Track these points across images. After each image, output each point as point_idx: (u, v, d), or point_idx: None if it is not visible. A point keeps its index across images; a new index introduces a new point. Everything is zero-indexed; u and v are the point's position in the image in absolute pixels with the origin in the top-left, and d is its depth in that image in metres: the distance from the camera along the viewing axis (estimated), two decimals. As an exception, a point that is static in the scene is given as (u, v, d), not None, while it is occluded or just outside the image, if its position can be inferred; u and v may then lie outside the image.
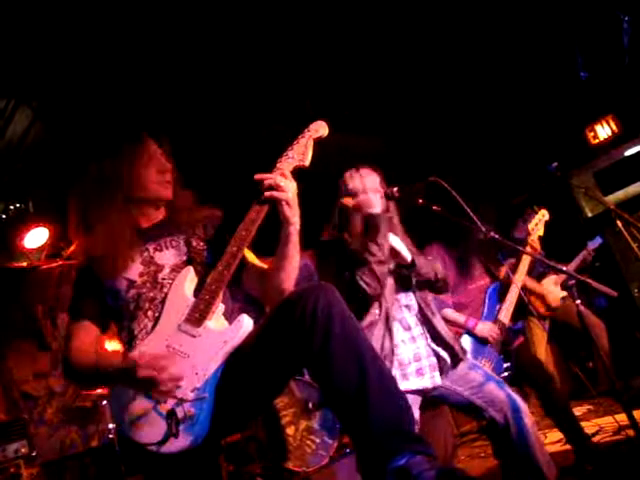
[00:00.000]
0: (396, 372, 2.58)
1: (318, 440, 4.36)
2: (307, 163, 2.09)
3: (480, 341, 3.63)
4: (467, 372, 2.68)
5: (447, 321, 3.83)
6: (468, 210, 2.68)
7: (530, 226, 4.01)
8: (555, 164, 3.56)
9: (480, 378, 2.66)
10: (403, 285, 2.81)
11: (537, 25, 5.00)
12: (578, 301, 2.86)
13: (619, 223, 4.73)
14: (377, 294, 2.63)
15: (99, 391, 4.64)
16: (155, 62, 4.18)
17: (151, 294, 2.05)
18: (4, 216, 5.28)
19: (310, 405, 4.44)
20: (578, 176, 6.41)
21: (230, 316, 2.03)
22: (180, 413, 1.79)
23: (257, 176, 1.98)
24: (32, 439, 4.45)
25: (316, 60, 4.65)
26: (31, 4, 3.50)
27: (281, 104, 4.88)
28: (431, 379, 2.62)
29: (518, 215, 4.51)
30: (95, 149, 2.26)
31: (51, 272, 5.68)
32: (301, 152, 2.09)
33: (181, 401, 1.80)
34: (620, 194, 6.21)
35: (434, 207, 2.96)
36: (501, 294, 3.83)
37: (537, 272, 4.75)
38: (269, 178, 1.96)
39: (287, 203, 1.94)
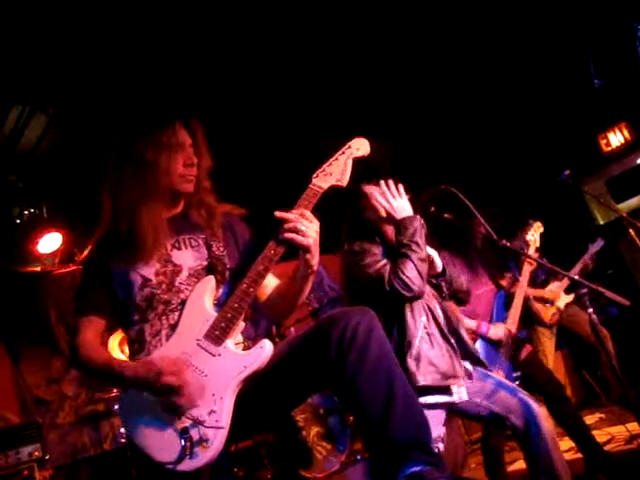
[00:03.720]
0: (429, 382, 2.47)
1: (329, 446, 4.36)
2: (345, 184, 1.97)
3: (493, 347, 3.63)
4: (481, 382, 2.66)
5: None
6: (481, 218, 2.68)
7: (527, 237, 4.06)
8: (567, 172, 3.56)
9: (493, 387, 2.64)
10: (438, 294, 2.77)
11: (550, 32, 5.01)
12: (590, 310, 2.84)
13: (631, 231, 4.71)
14: (420, 293, 2.52)
15: (113, 394, 4.67)
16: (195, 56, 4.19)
17: (166, 296, 1.94)
18: (18, 221, 5.33)
19: (321, 411, 4.45)
20: (590, 184, 6.40)
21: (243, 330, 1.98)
22: (195, 435, 1.72)
23: (278, 214, 1.87)
24: (45, 443, 4.48)
25: (328, 65, 4.68)
26: (45, 11, 3.54)
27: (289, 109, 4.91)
28: (459, 394, 2.57)
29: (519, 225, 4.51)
30: (130, 127, 2.11)
31: (64, 277, 5.72)
32: (340, 171, 1.98)
33: (197, 422, 1.73)
34: (632, 202, 6.20)
35: (445, 215, 2.97)
36: (507, 302, 3.85)
37: (540, 279, 4.75)
38: (290, 220, 1.84)
39: (308, 250, 1.85)
